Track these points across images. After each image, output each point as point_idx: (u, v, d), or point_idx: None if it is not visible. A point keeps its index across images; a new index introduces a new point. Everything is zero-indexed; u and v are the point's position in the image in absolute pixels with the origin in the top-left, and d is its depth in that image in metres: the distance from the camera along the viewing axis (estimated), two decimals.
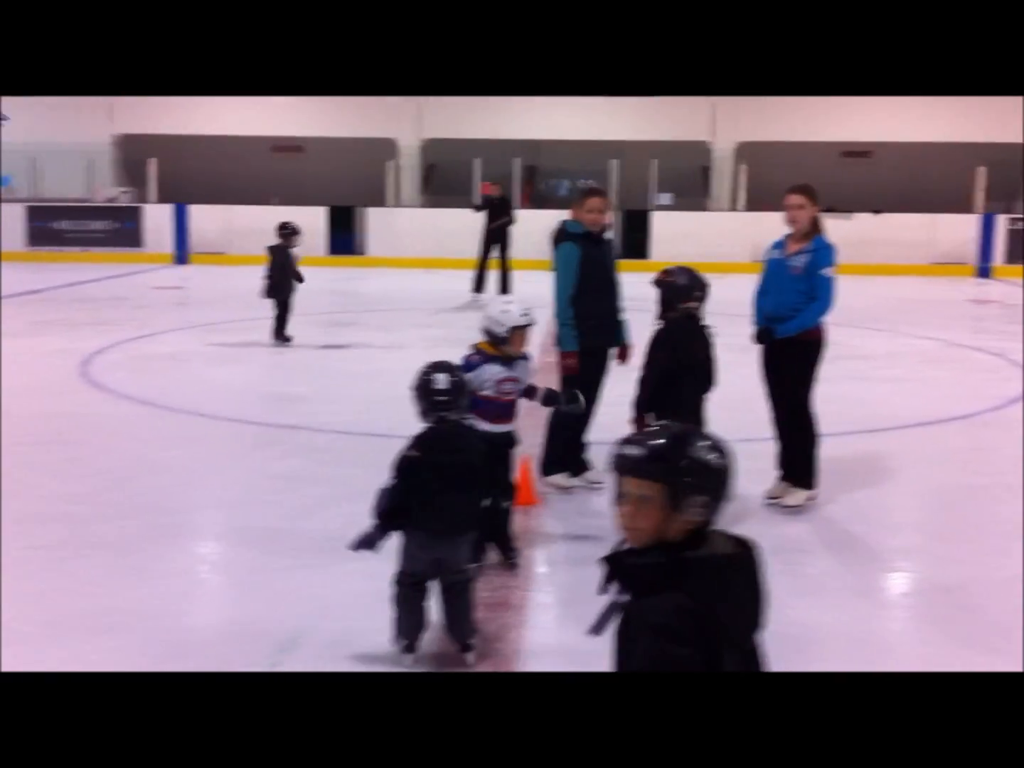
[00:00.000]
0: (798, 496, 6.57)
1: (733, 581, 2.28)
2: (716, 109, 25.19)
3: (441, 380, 4.45)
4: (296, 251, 12.83)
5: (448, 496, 4.34)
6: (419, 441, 4.43)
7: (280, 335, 12.57)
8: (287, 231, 12.83)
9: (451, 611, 4.50)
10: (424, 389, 4.47)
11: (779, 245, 6.59)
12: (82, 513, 6.35)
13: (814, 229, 6.44)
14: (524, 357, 5.63)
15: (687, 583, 2.24)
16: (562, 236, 6.72)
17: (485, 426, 5.30)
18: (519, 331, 5.50)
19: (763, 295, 6.60)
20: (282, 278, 12.58)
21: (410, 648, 4.46)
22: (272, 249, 12.79)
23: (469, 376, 5.14)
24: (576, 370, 6.54)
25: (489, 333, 5.53)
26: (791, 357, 6.46)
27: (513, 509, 5.63)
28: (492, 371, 5.45)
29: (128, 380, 10.30)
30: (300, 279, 12.70)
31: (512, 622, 4.90)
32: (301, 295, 12.70)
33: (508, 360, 5.51)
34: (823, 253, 6.37)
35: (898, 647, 4.89)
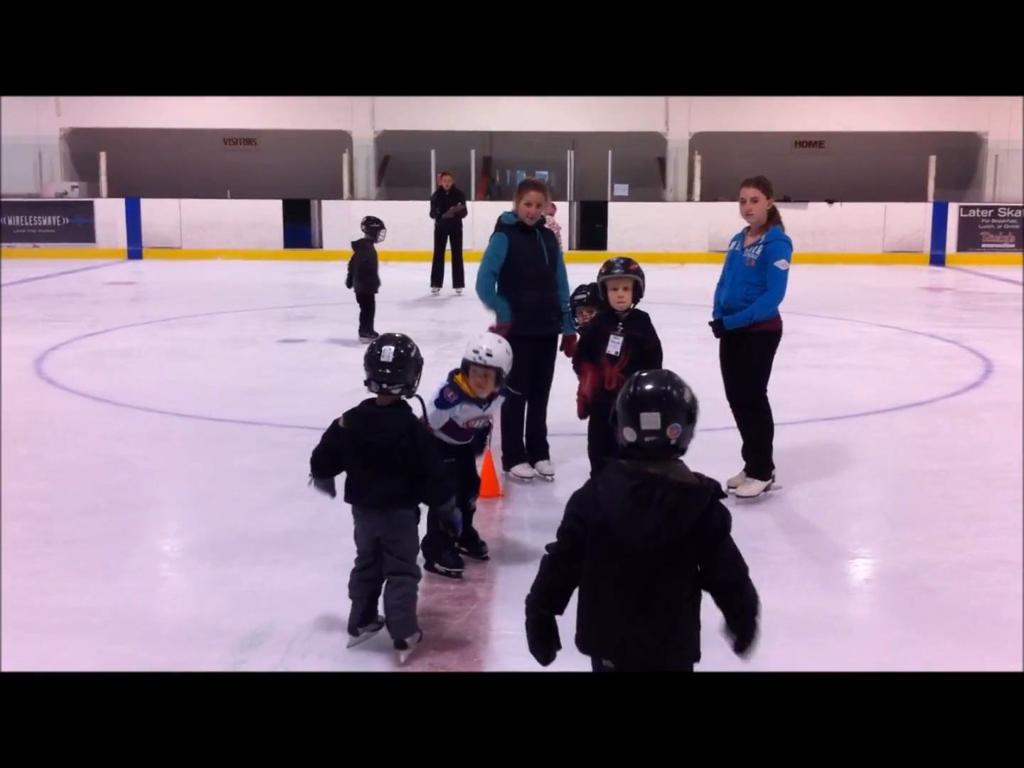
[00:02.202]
0: (753, 487, 6.60)
1: (623, 488, 2.96)
2: (670, 100, 25.25)
3: (387, 352, 4.46)
4: None
5: (369, 473, 4.42)
6: (349, 414, 4.51)
7: (368, 331, 12.24)
8: (374, 225, 12.53)
9: (388, 604, 4.51)
10: (370, 358, 4.49)
11: (739, 237, 6.63)
12: (43, 511, 6.30)
13: (771, 221, 6.48)
14: (500, 394, 5.43)
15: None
16: (496, 227, 6.90)
17: (446, 438, 5.25)
18: (475, 368, 5.26)
19: (720, 286, 6.66)
20: (366, 273, 12.32)
21: (352, 631, 4.53)
22: (357, 244, 12.53)
23: (442, 412, 5.16)
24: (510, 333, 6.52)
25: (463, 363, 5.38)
26: (745, 348, 6.50)
27: (474, 505, 5.63)
28: (464, 411, 5.27)
29: (84, 377, 10.20)
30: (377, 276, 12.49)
31: (479, 614, 4.91)
32: (260, 290, 12.58)
33: (482, 401, 5.32)
34: (776, 245, 6.40)
35: (860, 633, 4.94)
